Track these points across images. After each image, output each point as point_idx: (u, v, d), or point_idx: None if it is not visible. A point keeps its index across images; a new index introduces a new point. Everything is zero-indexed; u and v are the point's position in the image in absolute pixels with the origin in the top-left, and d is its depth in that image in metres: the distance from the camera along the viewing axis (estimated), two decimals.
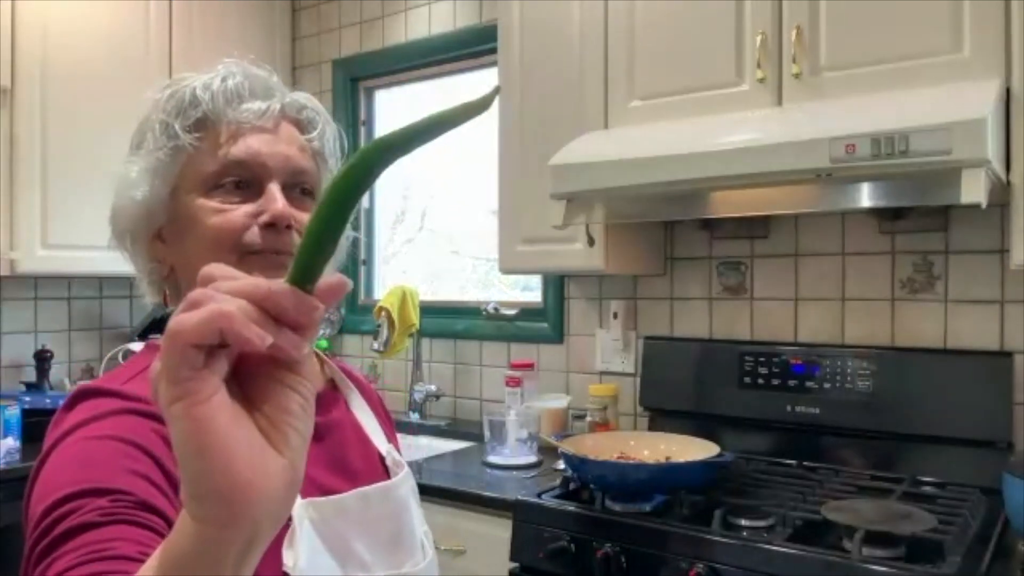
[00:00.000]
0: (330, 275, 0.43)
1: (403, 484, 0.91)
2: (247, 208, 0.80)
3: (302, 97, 0.88)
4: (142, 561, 0.48)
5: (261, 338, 0.39)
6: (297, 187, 0.84)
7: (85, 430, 0.71)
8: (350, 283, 0.44)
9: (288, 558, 0.75)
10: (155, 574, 0.43)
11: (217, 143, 0.81)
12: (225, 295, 0.40)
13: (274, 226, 0.79)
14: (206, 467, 0.39)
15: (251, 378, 0.42)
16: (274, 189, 0.81)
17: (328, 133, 0.89)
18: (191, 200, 0.81)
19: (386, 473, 0.92)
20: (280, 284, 0.41)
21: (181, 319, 0.39)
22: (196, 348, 0.39)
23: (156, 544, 0.49)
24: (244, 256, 0.79)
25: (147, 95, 0.85)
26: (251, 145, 0.81)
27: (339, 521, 0.81)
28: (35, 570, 0.61)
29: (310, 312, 0.41)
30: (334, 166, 0.90)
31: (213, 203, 0.80)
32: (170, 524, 0.64)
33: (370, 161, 0.42)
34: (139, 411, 0.72)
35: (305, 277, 0.42)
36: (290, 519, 0.75)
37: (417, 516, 0.92)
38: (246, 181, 0.81)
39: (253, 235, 0.79)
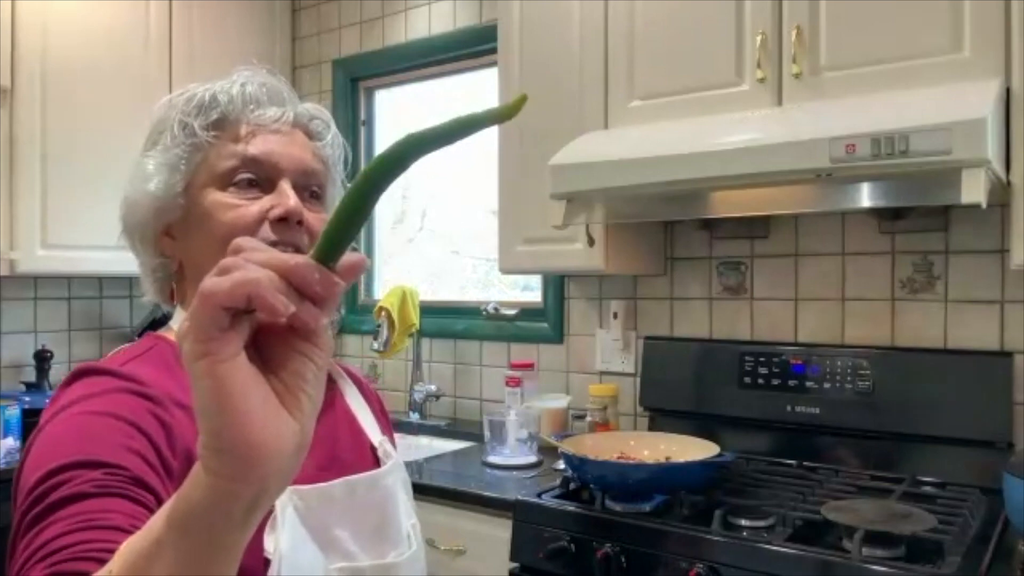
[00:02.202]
0: (350, 254, 0.45)
1: (391, 474, 0.92)
2: (260, 205, 0.83)
3: (312, 108, 0.93)
4: (132, 533, 0.48)
5: (285, 306, 0.42)
6: (307, 188, 0.87)
7: (82, 405, 0.72)
8: (368, 262, 0.47)
9: (269, 543, 0.76)
10: (164, 523, 0.45)
11: (234, 141, 0.85)
12: (255, 265, 0.42)
13: (286, 220, 0.82)
14: (224, 422, 0.42)
15: (270, 346, 0.45)
16: (286, 186, 0.84)
17: (336, 143, 0.94)
18: (206, 195, 0.84)
19: (377, 464, 0.93)
20: (305, 259, 0.44)
21: (214, 282, 0.42)
22: (224, 310, 0.42)
23: (147, 520, 0.50)
24: None
25: (162, 99, 0.88)
26: (267, 144, 0.85)
27: (323, 509, 0.82)
28: (25, 537, 0.61)
29: (331, 287, 0.44)
30: (338, 175, 0.94)
31: (228, 199, 0.83)
32: (161, 503, 0.65)
33: (403, 152, 0.45)
34: (136, 391, 0.74)
35: (328, 255, 0.45)
36: (273, 505, 0.76)
37: (405, 507, 0.93)
38: (259, 179, 0.84)
39: (265, 231, 0.82)
